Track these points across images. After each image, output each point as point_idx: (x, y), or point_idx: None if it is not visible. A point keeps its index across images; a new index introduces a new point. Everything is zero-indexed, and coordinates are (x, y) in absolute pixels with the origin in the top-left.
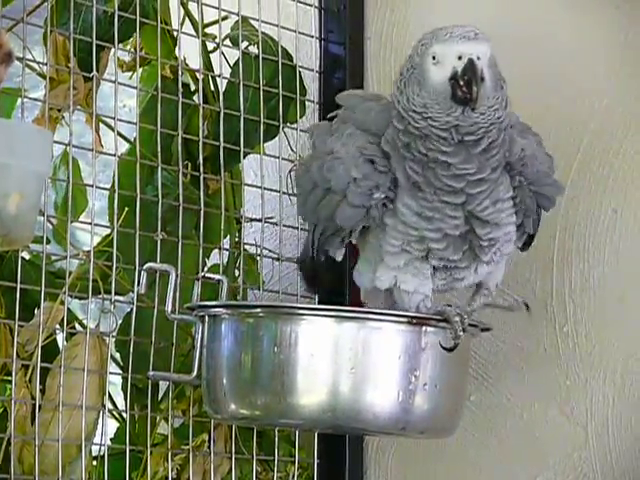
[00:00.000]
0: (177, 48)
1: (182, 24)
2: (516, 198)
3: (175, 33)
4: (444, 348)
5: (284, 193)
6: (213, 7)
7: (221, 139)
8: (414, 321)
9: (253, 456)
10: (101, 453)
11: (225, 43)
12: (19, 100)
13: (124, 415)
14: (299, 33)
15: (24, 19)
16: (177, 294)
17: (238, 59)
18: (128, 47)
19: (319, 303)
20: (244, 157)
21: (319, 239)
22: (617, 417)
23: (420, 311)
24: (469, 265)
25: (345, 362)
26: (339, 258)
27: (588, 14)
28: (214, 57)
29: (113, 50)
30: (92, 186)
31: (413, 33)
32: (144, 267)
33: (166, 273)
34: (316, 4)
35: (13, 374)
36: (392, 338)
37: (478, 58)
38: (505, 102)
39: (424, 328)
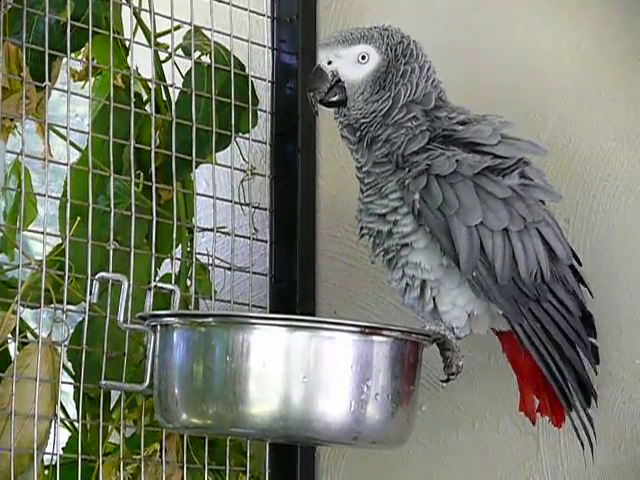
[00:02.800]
0: (129, 58)
1: (134, 34)
2: (402, 199)
3: (127, 43)
4: (442, 381)
5: (236, 203)
6: (165, 17)
7: (173, 149)
8: (366, 331)
9: (205, 466)
10: (53, 462)
11: (177, 53)
12: None
13: (76, 424)
14: (251, 43)
15: None
16: (129, 304)
17: (190, 69)
18: (80, 56)
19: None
20: (196, 167)
21: None
22: (568, 427)
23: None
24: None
25: (297, 371)
26: None
27: (542, 25)
28: (166, 67)
29: (65, 59)
30: (44, 195)
31: None
32: (96, 277)
33: (118, 283)
34: (269, 14)
35: None
36: (344, 348)
37: (329, 62)
38: (401, 98)
39: (376, 338)
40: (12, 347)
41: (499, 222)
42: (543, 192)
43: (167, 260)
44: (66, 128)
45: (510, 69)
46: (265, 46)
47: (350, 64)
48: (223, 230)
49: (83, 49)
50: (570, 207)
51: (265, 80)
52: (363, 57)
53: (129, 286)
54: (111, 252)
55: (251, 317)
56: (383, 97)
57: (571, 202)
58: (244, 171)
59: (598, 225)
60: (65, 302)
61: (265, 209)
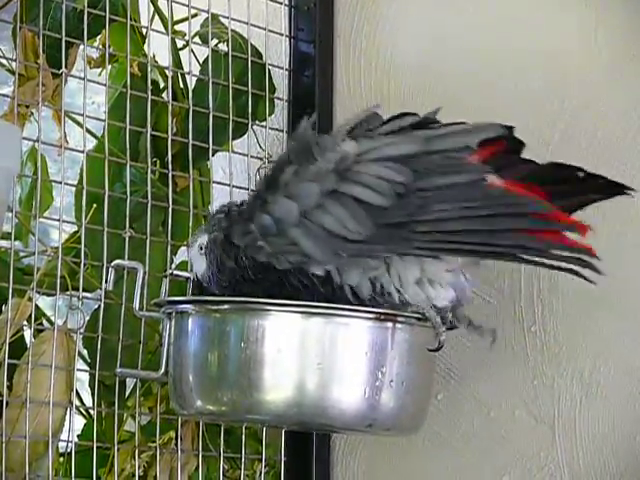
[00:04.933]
0: (146, 45)
1: (152, 21)
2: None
3: (144, 30)
4: (429, 349)
5: (252, 190)
6: (183, 5)
7: (190, 136)
8: (382, 317)
9: (220, 454)
10: (68, 450)
11: (195, 40)
12: None
13: (91, 412)
14: (269, 31)
15: None
16: (145, 291)
17: (207, 57)
18: (96, 44)
19: None
20: (213, 154)
21: None
22: (584, 416)
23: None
24: None
25: (312, 358)
26: None
27: (558, 13)
28: (183, 54)
29: (81, 47)
30: (60, 182)
31: (383, 32)
32: (112, 264)
33: (134, 270)
34: (286, 2)
35: None
36: (359, 334)
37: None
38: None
39: (392, 324)
40: (27, 334)
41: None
42: None
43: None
44: (82, 115)
45: (528, 56)
46: (282, 34)
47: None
48: None
49: (100, 36)
50: None
51: (282, 68)
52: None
53: (145, 273)
54: (127, 239)
55: (266, 303)
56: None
57: None
58: (261, 159)
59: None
60: (81, 289)
61: None
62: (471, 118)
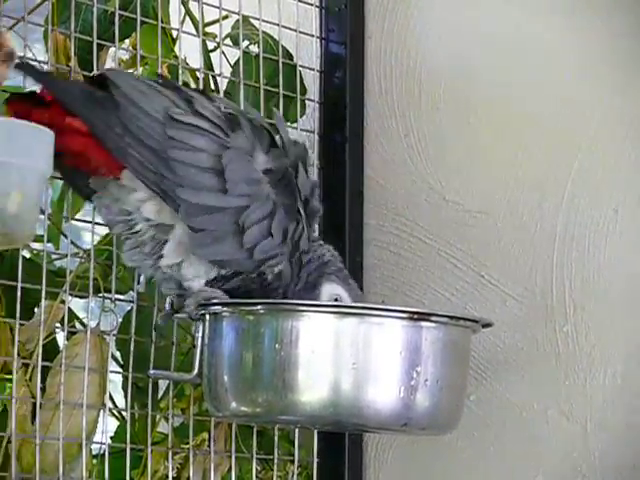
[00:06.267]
0: (177, 47)
1: (182, 23)
2: None
3: (175, 32)
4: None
5: None
6: (214, 6)
7: None
8: (415, 317)
9: (253, 455)
10: (101, 452)
11: (225, 42)
12: None
13: (124, 414)
14: (300, 32)
15: (25, 18)
16: None
17: (238, 58)
18: (125, 45)
19: None
20: None
21: None
22: (616, 417)
23: None
24: None
25: (346, 358)
26: None
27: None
28: (214, 56)
29: (112, 49)
30: None
31: (414, 32)
32: None
33: None
34: (317, 3)
35: (14, 373)
36: (393, 334)
37: None
38: None
39: (425, 324)
40: (60, 337)
41: None
42: None
43: None
44: None
45: (560, 56)
46: (313, 35)
47: None
48: None
49: (129, 38)
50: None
51: (313, 70)
52: None
53: None
54: None
55: (300, 304)
56: None
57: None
58: None
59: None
60: (113, 291)
61: None
62: (501, 119)
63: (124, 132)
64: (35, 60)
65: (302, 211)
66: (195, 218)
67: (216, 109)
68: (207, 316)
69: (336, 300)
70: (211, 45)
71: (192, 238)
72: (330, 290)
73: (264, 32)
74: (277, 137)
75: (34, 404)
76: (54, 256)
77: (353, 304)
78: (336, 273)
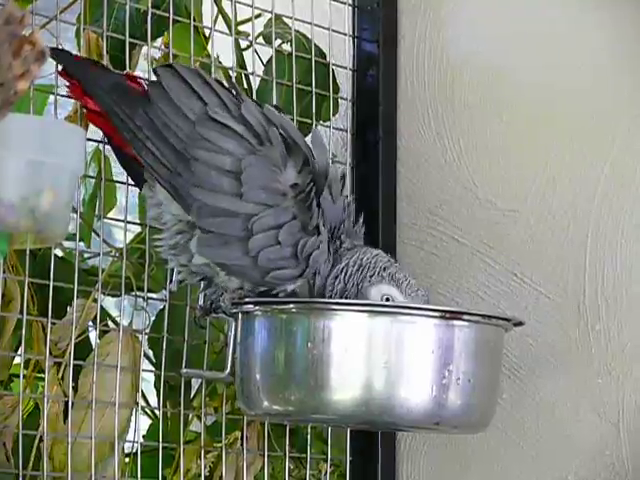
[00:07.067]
0: (209, 45)
1: (215, 22)
2: None
3: (207, 31)
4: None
5: None
6: (246, 5)
7: None
8: (447, 315)
9: (285, 454)
10: (134, 450)
11: (258, 41)
12: (51, 97)
13: (157, 412)
14: (332, 31)
15: (57, 16)
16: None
17: (271, 57)
18: (157, 44)
19: None
20: None
21: None
22: None
23: None
24: None
25: (378, 357)
26: None
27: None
28: (247, 55)
29: (145, 47)
30: (124, 183)
31: (447, 31)
32: None
33: None
34: (350, 2)
35: (46, 371)
36: (425, 332)
37: None
38: None
39: (457, 322)
40: (93, 335)
41: None
42: None
43: None
44: None
45: (591, 55)
46: (346, 34)
47: None
48: None
49: (161, 37)
50: None
51: (346, 68)
52: None
53: None
54: None
55: (332, 303)
56: None
57: None
58: None
59: None
60: (146, 290)
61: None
62: (534, 118)
63: (145, 125)
64: None
65: (322, 228)
66: (206, 219)
67: (263, 119)
68: (240, 315)
69: (387, 300)
70: (244, 44)
71: (200, 238)
72: (377, 293)
73: (297, 31)
74: (312, 160)
75: (66, 403)
76: (86, 254)
77: (385, 303)
78: (380, 273)
